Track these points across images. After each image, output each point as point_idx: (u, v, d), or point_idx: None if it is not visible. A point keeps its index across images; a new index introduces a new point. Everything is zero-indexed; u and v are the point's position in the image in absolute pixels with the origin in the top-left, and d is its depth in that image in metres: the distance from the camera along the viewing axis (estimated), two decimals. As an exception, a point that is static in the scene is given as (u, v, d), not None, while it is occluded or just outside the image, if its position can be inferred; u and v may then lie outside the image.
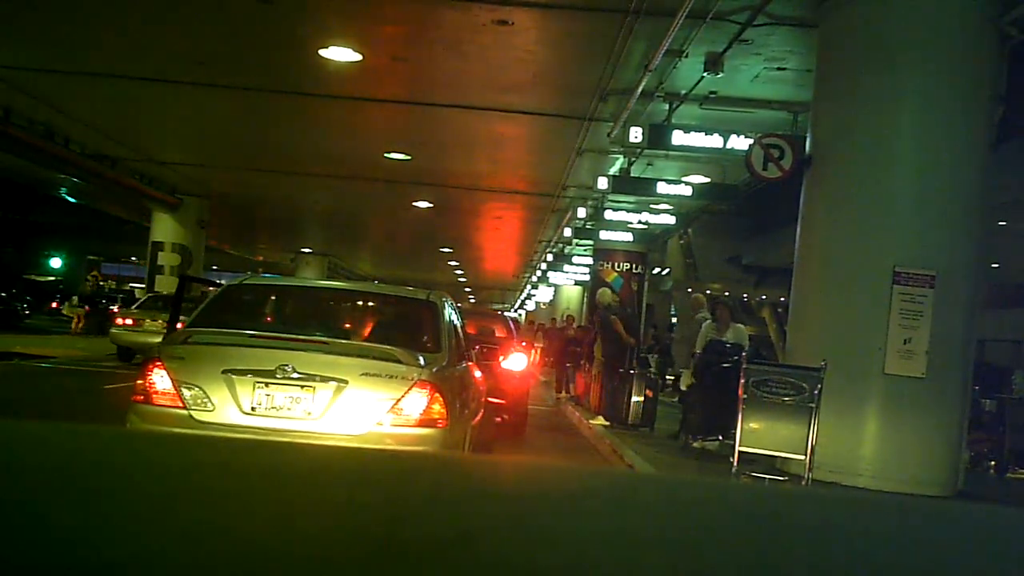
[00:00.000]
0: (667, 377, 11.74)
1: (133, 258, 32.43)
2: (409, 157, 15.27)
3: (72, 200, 23.09)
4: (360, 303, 6.09)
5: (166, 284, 21.47)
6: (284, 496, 0.78)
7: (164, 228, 21.47)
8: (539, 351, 20.52)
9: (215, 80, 11.36)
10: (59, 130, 15.51)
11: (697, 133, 10.23)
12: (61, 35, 10.46)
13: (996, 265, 16.17)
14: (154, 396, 4.49)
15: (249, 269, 36.79)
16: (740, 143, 9.79)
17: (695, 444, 9.37)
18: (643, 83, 9.28)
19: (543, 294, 34.05)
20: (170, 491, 0.77)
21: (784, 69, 9.52)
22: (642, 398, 10.81)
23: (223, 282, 6.31)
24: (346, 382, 4.44)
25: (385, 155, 15.19)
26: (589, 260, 21.57)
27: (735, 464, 6.80)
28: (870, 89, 7.17)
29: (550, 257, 25.31)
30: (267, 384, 4.43)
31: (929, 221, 7.11)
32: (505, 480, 0.94)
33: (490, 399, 8.97)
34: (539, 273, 30.56)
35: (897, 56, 7.12)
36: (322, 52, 9.97)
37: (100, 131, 15.68)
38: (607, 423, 10.93)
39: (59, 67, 11.49)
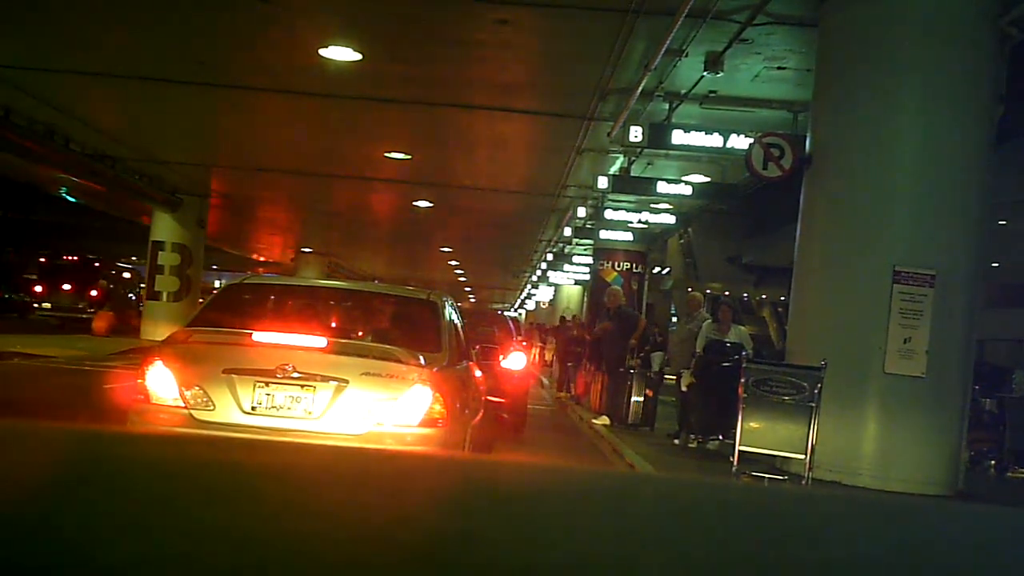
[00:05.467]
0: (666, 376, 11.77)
1: (133, 258, 32.42)
2: (409, 157, 15.27)
3: (72, 200, 23.08)
4: (360, 302, 6.06)
5: (166, 284, 21.50)
6: (284, 496, 0.78)
7: (164, 228, 21.45)
8: (539, 351, 20.54)
9: (215, 80, 11.35)
10: (59, 130, 15.49)
11: (697, 132, 10.23)
12: (61, 34, 10.45)
13: (996, 265, 16.17)
14: (155, 396, 4.49)
15: (249, 269, 36.79)
16: (740, 143, 9.79)
17: (691, 444, 9.38)
18: (643, 83, 9.28)
19: (543, 294, 34.06)
20: (169, 491, 0.77)
21: (784, 68, 9.52)
22: (642, 398, 10.81)
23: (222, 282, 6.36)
24: (347, 382, 4.43)
25: (385, 155, 15.19)
26: (589, 260, 21.57)
27: (735, 464, 6.80)
28: (870, 89, 7.17)
29: (550, 257, 25.31)
30: (267, 384, 4.43)
31: (929, 221, 7.11)
32: (505, 480, 0.94)
33: (490, 398, 8.98)
34: (539, 273, 30.56)
35: (897, 56, 7.12)
36: (322, 52, 9.96)
37: (100, 131, 15.68)
38: (608, 423, 10.93)
39: (59, 67, 11.47)
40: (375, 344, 4.85)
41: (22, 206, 28.55)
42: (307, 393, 4.43)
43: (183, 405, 4.43)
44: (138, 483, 0.80)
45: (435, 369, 4.67)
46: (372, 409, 4.45)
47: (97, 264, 27.68)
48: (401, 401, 4.47)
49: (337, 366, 4.48)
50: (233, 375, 4.44)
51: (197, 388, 4.45)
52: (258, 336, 4.70)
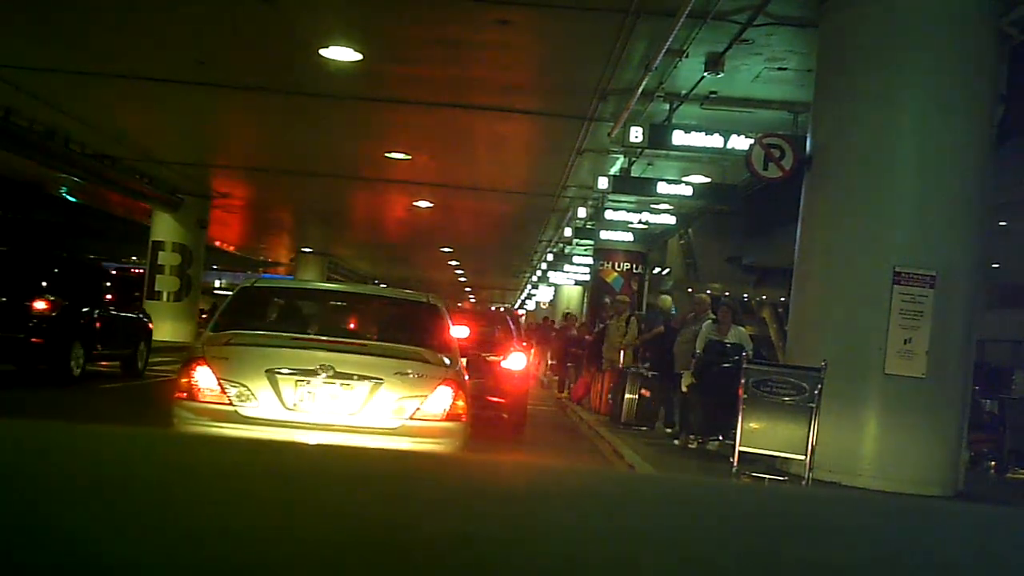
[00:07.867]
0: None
1: (133, 258, 32.47)
2: (409, 157, 15.27)
3: (72, 200, 23.07)
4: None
5: (167, 283, 21.52)
6: (285, 497, 0.78)
7: (164, 228, 21.47)
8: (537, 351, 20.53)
9: (215, 80, 11.35)
10: (59, 130, 15.50)
11: (697, 133, 10.22)
12: (62, 35, 10.45)
13: (996, 265, 16.15)
14: (200, 393, 4.76)
15: (249, 269, 36.79)
16: (740, 143, 9.79)
17: (691, 445, 9.38)
18: (643, 83, 9.28)
19: (543, 294, 34.03)
20: (169, 491, 0.77)
21: (784, 69, 9.51)
22: (636, 396, 10.80)
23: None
24: (381, 380, 4.81)
25: (385, 155, 15.19)
26: (589, 260, 21.56)
27: (735, 464, 6.80)
28: (870, 89, 7.16)
29: (550, 257, 25.30)
30: (308, 382, 4.74)
31: (929, 221, 7.10)
32: (505, 480, 0.94)
33: (489, 398, 9.02)
34: (539, 273, 30.55)
35: (897, 56, 7.12)
36: (322, 52, 9.96)
37: (100, 131, 15.68)
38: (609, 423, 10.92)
39: (59, 67, 11.47)
40: (405, 346, 5.24)
41: (22, 206, 28.63)
42: (345, 391, 4.78)
43: (227, 402, 4.70)
44: (138, 483, 0.80)
45: (456, 368, 5.18)
46: (404, 405, 4.84)
47: None
48: (430, 397, 4.87)
49: (372, 366, 4.87)
50: (276, 374, 4.75)
51: (241, 386, 4.73)
52: (297, 338, 5.21)
